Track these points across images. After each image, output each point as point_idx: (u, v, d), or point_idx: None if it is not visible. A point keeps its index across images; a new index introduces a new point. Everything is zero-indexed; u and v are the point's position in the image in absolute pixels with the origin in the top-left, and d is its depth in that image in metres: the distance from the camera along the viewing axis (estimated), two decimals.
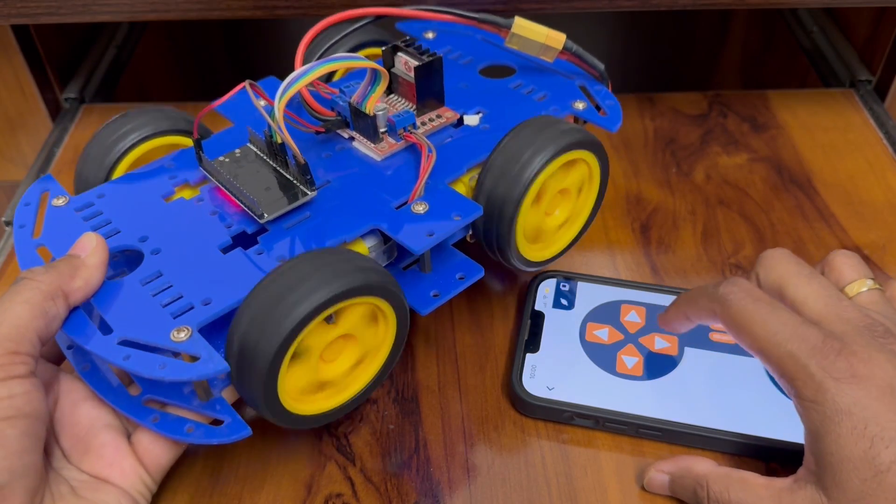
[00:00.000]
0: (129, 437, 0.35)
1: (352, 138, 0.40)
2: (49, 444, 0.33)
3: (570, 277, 0.45)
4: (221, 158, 0.38)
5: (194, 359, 0.30)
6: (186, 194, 0.38)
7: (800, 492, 0.30)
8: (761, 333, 0.32)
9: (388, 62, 0.40)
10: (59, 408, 0.34)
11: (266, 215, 0.35)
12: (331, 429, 0.39)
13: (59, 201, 0.37)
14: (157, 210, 0.37)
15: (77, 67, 0.67)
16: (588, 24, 0.87)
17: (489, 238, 0.39)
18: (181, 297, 0.33)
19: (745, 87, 0.85)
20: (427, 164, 0.37)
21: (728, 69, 0.89)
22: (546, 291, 0.44)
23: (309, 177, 0.36)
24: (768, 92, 0.61)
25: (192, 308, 0.32)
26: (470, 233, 0.40)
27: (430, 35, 0.49)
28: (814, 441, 0.30)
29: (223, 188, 0.37)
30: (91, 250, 0.34)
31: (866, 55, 0.65)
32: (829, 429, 0.29)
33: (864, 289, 0.34)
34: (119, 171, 0.40)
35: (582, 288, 0.45)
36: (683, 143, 0.57)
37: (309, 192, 0.36)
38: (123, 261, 0.37)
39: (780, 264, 0.34)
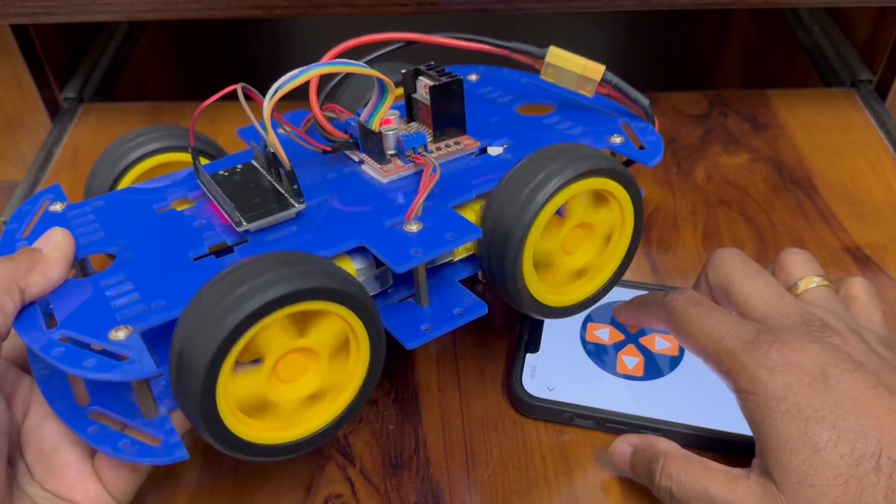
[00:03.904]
0: (92, 454, 0.33)
1: (361, 161, 0.38)
2: (14, 457, 0.32)
3: None
4: (222, 172, 0.36)
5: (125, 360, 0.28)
6: (180, 206, 0.37)
7: (751, 477, 0.31)
8: (699, 333, 0.33)
9: (410, 87, 0.38)
10: (28, 420, 0.33)
11: (244, 223, 0.33)
12: None
13: (57, 206, 0.37)
14: (146, 220, 0.36)
15: (76, 67, 0.67)
16: (588, 24, 0.87)
17: (494, 271, 0.34)
18: (137, 299, 0.31)
19: (745, 87, 0.85)
20: (427, 181, 0.34)
21: (728, 69, 0.89)
22: None
23: (296, 186, 0.34)
24: (769, 91, 0.61)
25: (142, 311, 0.30)
26: (481, 271, 0.36)
27: (473, 77, 0.46)
28: (754, 430, 0.31)
29: (213, 201, 0.36)
30: (55, 244, 0.33)
31: (867, 55, 0.65)
32: (765, 415, 0.30)
33: (812, 285, 0.35)
34: (125, 184, 0.39)
35: None
36: (684, 142, 0.57)
37: (296, 205, 0.34)
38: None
39: (726, 264, 0.36)
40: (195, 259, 0.33)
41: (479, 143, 0.38)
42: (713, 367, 0.33)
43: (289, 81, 0.33)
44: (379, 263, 0.34)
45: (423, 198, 0.34)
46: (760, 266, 0.36)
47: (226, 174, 0.36)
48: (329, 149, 0.38)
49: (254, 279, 0.27)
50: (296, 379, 0.30)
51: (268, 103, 0.32)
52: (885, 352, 0.32)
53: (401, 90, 0.39)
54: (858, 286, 0.36)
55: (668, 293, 0.36)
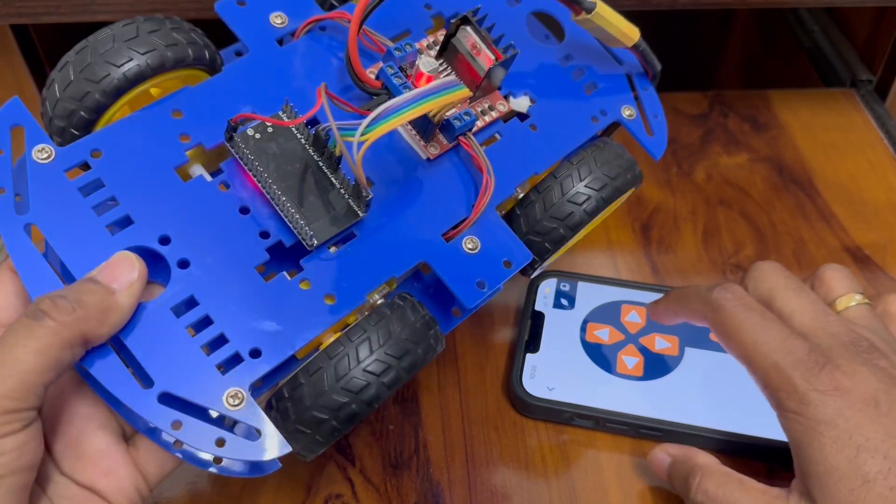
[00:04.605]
0: (125, 439, 0.31)
1: None
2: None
3: (571, 277, 0.45)
4: (250, 132, 0.31)
5: (235, 422, 0.28)
6: (201, 161, 0.32)
7: (790, 500, 0.30)
8: (749, 342, 0.32)
9: (452, 31, 0.35)
10: (47, 401, 0.29)
11: (315, 241, 0.31)
12: None
13: (42, 154, 0.30)
14: (174, 192, 0.30)
15: None
16: None
17: None
18: (225, 340, 0.29)
19: (745, 87, 0.85)
20: (485, 195, 0.34)
21: (728, 69, 0.89)
22: (546, 291, 0.44)
23: (367, 196, 0.31)
24: (769, 92, 0.61)
25: (240, 360, 0.28)
26: None
27: None
28: (798, 452, 0.30)
29: (253, 179, 0.31)
30: (128, 286, 0.28)
31: (867, 55, 0.65)
32: (812, 439, 0.29)
33: (853, 303, 0.34)
34: (111, 113, 0.32)
35: (582, 288, 0.44)
36: (684, 142, 0.57)
37: (361, 213, 0.32)
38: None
39: (769, 277, 0.34)
40: (258, 269, 0.31)
41: (509, 108, 0.37)
42: (758, 380, 0.32)
43: (390, 116, 0.30)
44: None
45: (480, 213, 0.34)
46: (802, 282, 0.35)
47: (257, 136, 0.31)
48: (367, 112, 0.31)
49: (384, 354, 0.29)
50: None
51: (359, 136, 0.29)
52: None
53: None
54: (895, 303, 0.35)
55: (713, 288, 0.34)
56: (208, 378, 0.28)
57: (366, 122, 0.29)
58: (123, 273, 0.28)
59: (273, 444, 0.28)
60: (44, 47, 0.61)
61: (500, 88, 0.37)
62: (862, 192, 0.52)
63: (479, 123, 0.36)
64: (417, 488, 0.37)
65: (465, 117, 0.33)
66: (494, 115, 0.37)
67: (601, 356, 0.41)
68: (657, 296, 0.44)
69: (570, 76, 0.40)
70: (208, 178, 0.31)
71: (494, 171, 0.34)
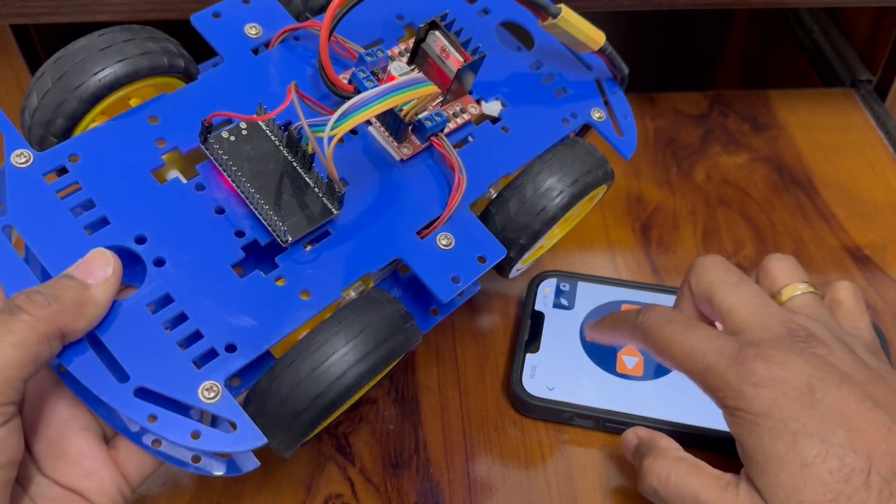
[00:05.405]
0: (106, 441, 0.31)
1: (368, 122, 0.35)
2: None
3: (571, 277, 0.45)
4: (224, 135, 0.32)
5: (213, 417, 0.28)
6: (178, 167, 0.33)
7: (740, 487, 0.30)
8: (679, 353, 0.32)
9: (422, 36, 0.36)
10: (27, 402, 0.29)
11: (290, 238, 0.31)
12: (330, 429, 0.39)
13: (21, 159, 0.30)
14: (150, 194, 0.31)
15: None
16: None
17: None
18: (199, 334, 0.29)
19: (745, 87, 0.85)
20: (458, 192, 0.34)
21: (728, 69, 0.89)
22: (546, 291, 0.44)
23: (340, 192, 0.32)
24: (769, 92, 0.61)
25: (216, 355, 0.29)
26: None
27: None
28: (741, 445, 0.31)
29: (228, 180, 0.32)
30: (104, 281, 0.28)
31: (867, 55, 0.65)
32: (751, 431, 0.30)
33: (797, 293, 0.34)
34: (89, 119, 0.32)
35: (582, 288, 0.44)
36: (684, 142, 0.57)
37: (335, 211, 0.32)
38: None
39: (709, 272, 0.35)
40: (234, 267, 0.31)
41: (480, 110, 0.38)
42: (697, 385, 0.33)
43: (359, 110, 0.31)
44: None
45: (453, 210, 0.34)
46: (744, 273, 0.35)
47: (231, 139, 0.32)
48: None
49: (360, 343, 0.29)
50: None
51: (329, 131, 0.30)
52: (871, 360, 0.32)
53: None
54: (844, 291, 0.36)
55: (641, 311, 0.35)
56: (184, 372, 0.28)
57: (335, 116, 0.30)
58: (98, 269, 0.28)
59: (249, 437, 0.28)
60: (44, 47, 0.61)
61: (471, 92, 0.38)
62: (862, 192, 0.52)
63: (451, 125, 0.37)
64: (417, 488, 0.37)
65: (437, 118, 0.35)
66: (466, 117, 0.38)
67: (601, 356, 0.41)
68: (657, 295, 0.44)
69: (541, 81, 0.41)
70: (184, 180, 0.32)
71: (468, 171, 0.35)
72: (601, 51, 0.40)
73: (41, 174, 0.30)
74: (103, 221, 0.30)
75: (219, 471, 0.31)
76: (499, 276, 0.38)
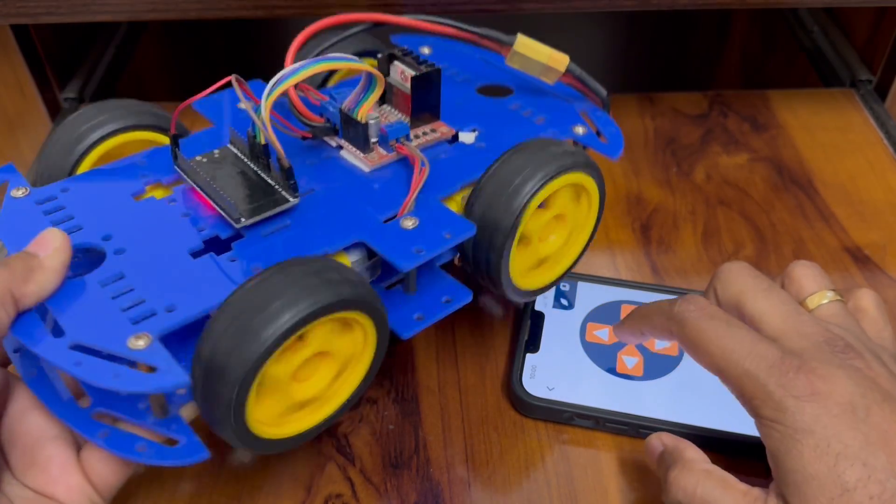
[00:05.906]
0: (79, 451, 0.32)
1: (340, 147, 0.38)
2: None
3: (571, 277, 0.45)
4: (198, 158, 0.35)
5: (151, 369, 0.28)
6: (158, 194, 0.36)
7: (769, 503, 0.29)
8: (717, 352, 0.31)
9: (384, 71, 0.38)
10: (8, 414, 0.31)
11: (243, 220, 0.33)
12: (330, 429, 0.39)
13: (19, 192, 0.35)
14: (125, 208, 0.34)
15: (76, 67, 0.67)
16: (587, 24, 0.87)
17: (478, 264, 0.36)
18: (143, 301, 0.30)
19: (745, 87, 0.85)
20: (419, 177, 0.35)
21: (728, 69, 0.89)
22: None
23: (292, 182, 0.34)
24: (769, 92, 0.61)
25: (153, 315, 0.30)
26: (458, 255, 0.37)
27: (426, 50, 0.46)
28: (776, 460, 0.29)
29: (198, 189, 0.35)
30: (53, 250, 0.30)
31: (867, 55, 0.65)
32: (790, 447, 0.28)
33: (825, 301, 0.33)
34: (85, 167, 0.37)
35: (582, 288, 0.45)
36: (684, 142, 0.57)
37: (291, 199, 0.34)
38: (86, 261, 0.33)
39: (737, 279, 0.33)
40: (192, 254, 0.33)
41: (453, 131, 0.39)
42: (732, 389, 0.31)
43: (286, 78, 0.33)
44: (371, 254, 0.35)
45: (416, 193, 0.35)
46: (772, 280, 0.34)
47: (205, 161, 0.35)
48: (309, 135, 0.38)
49: (289, 291, 0.28)
50: (314, 374, 0.32)
51: (265, 101, 0.32)
52: None
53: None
54: (866, 299, 0.35)
55: (676, 302, 0.33)
56: (118, 327, 0.29)
57: (267, 88, 0.32)
58: (48, 241, 0.31)
59: (169, 378, 0.27)
60: (44, 47, 0.61)
61: (438, 117, 0.39)
62: (861, 192, 0.52)
63: (420, 141, 0.38)
64: (417, 488, 0.37)
65: (398, 125, 0.37)
66: (437, 135, 0.39)
67: (601, 356, 0.41)
68: (657, 296, 0.44)
69: (520, 115, 0.42)
70: (158, 197, 0.35)
71: (441, 175, 0.36)
72: (569, 72, 0.40)
73: (34, 202, 0.34)
74: (77, 227, 0.33)
75: (163, 460, 0.30)
76: (505, 298, 0.38)
